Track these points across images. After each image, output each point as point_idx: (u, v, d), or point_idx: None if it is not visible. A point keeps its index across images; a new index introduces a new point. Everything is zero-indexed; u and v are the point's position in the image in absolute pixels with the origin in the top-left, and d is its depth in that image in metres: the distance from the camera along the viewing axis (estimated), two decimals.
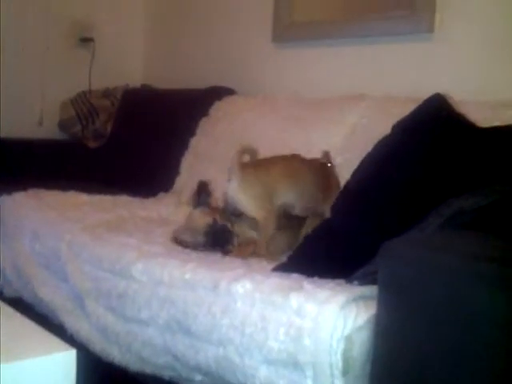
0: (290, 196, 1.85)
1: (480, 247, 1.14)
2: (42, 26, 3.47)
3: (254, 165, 1.84)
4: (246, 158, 1.85)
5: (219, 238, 1.81)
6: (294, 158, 1.97)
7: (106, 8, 3.69)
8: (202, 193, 1.83)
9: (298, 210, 1.89)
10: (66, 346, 1.18)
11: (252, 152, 1.87)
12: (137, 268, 1.71)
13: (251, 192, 1.78)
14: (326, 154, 2.05)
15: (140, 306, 1.67)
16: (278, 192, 1.82)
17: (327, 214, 1.85)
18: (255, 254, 1.79)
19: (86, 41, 3.63)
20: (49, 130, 3.50)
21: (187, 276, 1.58)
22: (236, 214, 1.85)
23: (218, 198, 1.91)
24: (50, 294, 2.09)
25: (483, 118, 1.66)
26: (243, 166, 1.79)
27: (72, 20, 3.59)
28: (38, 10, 3.43)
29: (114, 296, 1.76)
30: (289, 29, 2.94)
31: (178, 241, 1.85)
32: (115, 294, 1.76)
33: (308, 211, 1.90)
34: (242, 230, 1.85)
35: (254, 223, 1.84)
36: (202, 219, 1.81)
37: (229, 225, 1.82)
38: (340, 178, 2.00)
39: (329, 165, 2.03)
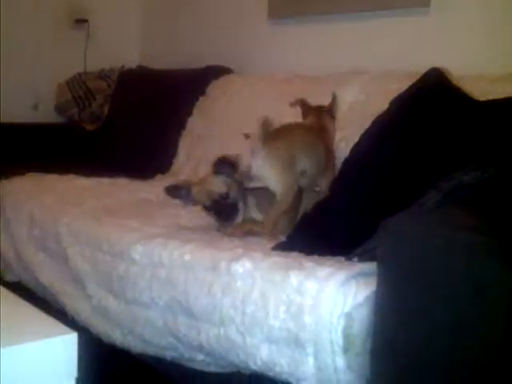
0: (306, 164, 1.84)
1: (478, 222, 1.14)
2: (36, 9, 3.43)
3: (275, 136, 1.82)
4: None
5: (224, 211, 1.81)
6: (311, 127, 1.98)
7: None
8: (223, 164, 1.81)
9: (304, 181, 1.87)
10: (67, 329, 1.17)
11: (268, 124, 1.85)
12: (137, 250, 1.71)
13: (276, 165, 1.77)
14: (333, 96, 2.08)
15: (141, 287, 1.67)
16: (298, 160, 1.81)
17: (323, 187, 1.86)
18: (251, 232, 1.79)
19: (81, 22, 3.60)
20: (44, 114, 3.48)
21: (187, 257, 1.58)
22: (249, 189, 1.86)
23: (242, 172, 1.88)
24: (50, 277, 2.09)
25: (481, 91, 1.65)
26: (266, 138, 1.77)
27: (66, 1, 3.55)
28: None
29: (114, 278, 1.76)
30: (285, 5, 2.91)
31: (181, 187, 1.85)
32: (115, 276, 1.76)
33: (309, 183, 1.90)
34: (247, 208, 1.85)
35: (262, 201, 1.85)
36: (218, 187, 1.80)
37: (240, 204, 1.83)
38: (339, 154, 2.00)
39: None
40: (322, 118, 2.06)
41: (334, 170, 1.93)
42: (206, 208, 1.83)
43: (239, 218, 1.83)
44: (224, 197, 1.79)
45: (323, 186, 1.89)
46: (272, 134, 1.81)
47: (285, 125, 1.93)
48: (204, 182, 1.85)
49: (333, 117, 2.10)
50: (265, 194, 1.84)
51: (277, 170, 1.77)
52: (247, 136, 1.83)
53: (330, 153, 1.98)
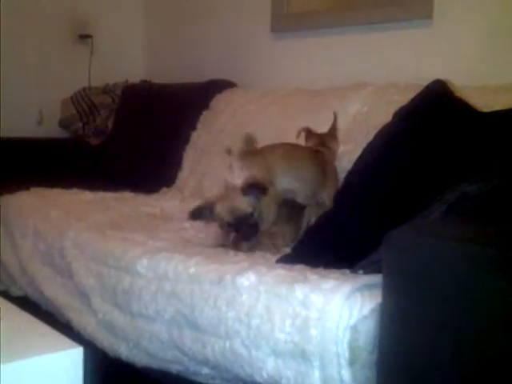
0: (290, 180, 1.87)
1: (481, 233, 1.14)
2: (40, 24, 3.47)
3: (253, 152, 1.84)
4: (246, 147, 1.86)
5: (244, 230, 1.79)
6: (294, 145, 2.00)
7: (104, 4, 3.69)
8: (253, 188, 1.78)
9: (300, 198, 1.90)
10: (73, 343, 1.18)
11: (251, 140, 1.87)
12: (142, 263, 1.71)
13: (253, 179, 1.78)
14: (334, 115, 2.09)
15: (146, 301, 1.67)
16: (277, 177, 1.83)
17: (326, 201, 1.87)
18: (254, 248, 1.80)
19: (85, 37, 3.63)
20: (48, 129, 3.50)
21: (192, 270, 1.58)
22: None
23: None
24: (55, 292, 2.09)
25: (484, 102, 1.66)
26: (243, 154, 1.79)
27: (70, 17, 3.58)
28: (35, 8, 3.43)
29: (119, 292, 1.76)
30: (287, 19, 2.93)
31: (206, 208, 1.83)
32: (121, 290, 1.76)
33: (309, 199, 1.92)
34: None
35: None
36: (243, 205, 1.77)
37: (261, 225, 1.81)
38: (342, 168, 2.01)
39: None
40: (325, 140, 2.08)
41: (337, 183, 1.94)
42: (227, 224, 1.81)
43: (257, 239, 1.82)
44: (248, 216, 1.78)
45: (325, 199, 1.91)
46: (252, 152, 1.83)
47: (269, 145, 1.94)
48: (229, 198, 1.81)
49: (335, 137, 2.11)
50: None
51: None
52: (229, 151, 1.84)
53: (329, 168, 1.99)
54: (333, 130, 2.12)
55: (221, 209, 1.79)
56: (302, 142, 2.11)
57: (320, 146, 2.05)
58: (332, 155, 2.07)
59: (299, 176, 1.90)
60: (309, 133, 2.11)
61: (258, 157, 1.84)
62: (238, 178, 1.78)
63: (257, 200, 1.78)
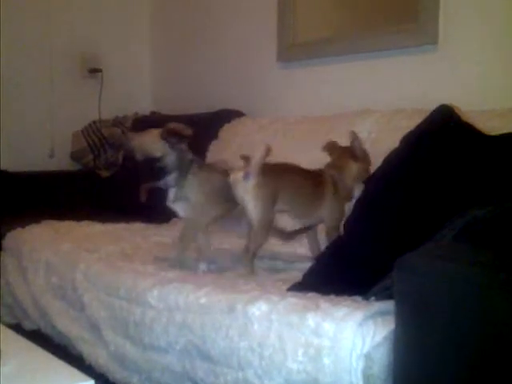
0: (286, 205, 1.88)
1: (495, 257, 1.13)
2: (51, 59, 3.53)
3: (270, 169, 1.84)
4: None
5: (148, 171, 1.88)
6: (299, 169, 2.00)
7: (113, 39, 3.75)
8: (172, 135, 1.87)
9: (294, 216, 1.95)
10: (85, 376, 1.18)
11: (269, 153, 1.89)
12: (153, 295, 1.71)
13: (263, 197, 1.79)
14: (353, 134, 2.06)
15: (157, 332, 1.66)
16: (280, 200, 1.84)
17: (326, 219, 1.93)
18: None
19: (95, 71, 3.69)
20: (59, 162, 3.53)
21: (203, 300, 1.58)
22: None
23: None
24: (67, 324, 2.09)
25: (491, 126, 1.65)
26: (263, 169, 1.79)
27: (80, 52, 3.65)
28: (46, 43, 3.50)
29: (131, 324, 1.76)
30: (293, 49, 2.96)
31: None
32: (132, 322, 1.75)
33: (304, 218, 1.96)
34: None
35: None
36: (156, 148, 1.85)
37: (175, 174, 1.91)
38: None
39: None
40: (343, 157, 2.06)
41: (340, 202, 1.95)
42: (134, 161, 1.87)
43: (164, 183, 1.93)
44: (155, 160, 1.84)
45: (326, 216, 1.94)
46: (268, 168, 1.82)
47: (280, 164, 1.94)
48: (147, 138, 1.89)
49: (354, 155, 2.09)
50: None
51: (260, 200, 1.78)
52: (245, 158, 1.85)
53: (323, 187, 1.97)
54: (350, 150, 2.10)
55: (136, 143, 1.87)
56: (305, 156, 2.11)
57: (339, 162, 2.05)
58: (343, 175, 2.05)
59: (296, 200, 1.91)
60: (333, 148, 2.09)
61: (273, 178, 1.84)
62: (251, 190, 1.78)
63: (172, 149, 1.86)
